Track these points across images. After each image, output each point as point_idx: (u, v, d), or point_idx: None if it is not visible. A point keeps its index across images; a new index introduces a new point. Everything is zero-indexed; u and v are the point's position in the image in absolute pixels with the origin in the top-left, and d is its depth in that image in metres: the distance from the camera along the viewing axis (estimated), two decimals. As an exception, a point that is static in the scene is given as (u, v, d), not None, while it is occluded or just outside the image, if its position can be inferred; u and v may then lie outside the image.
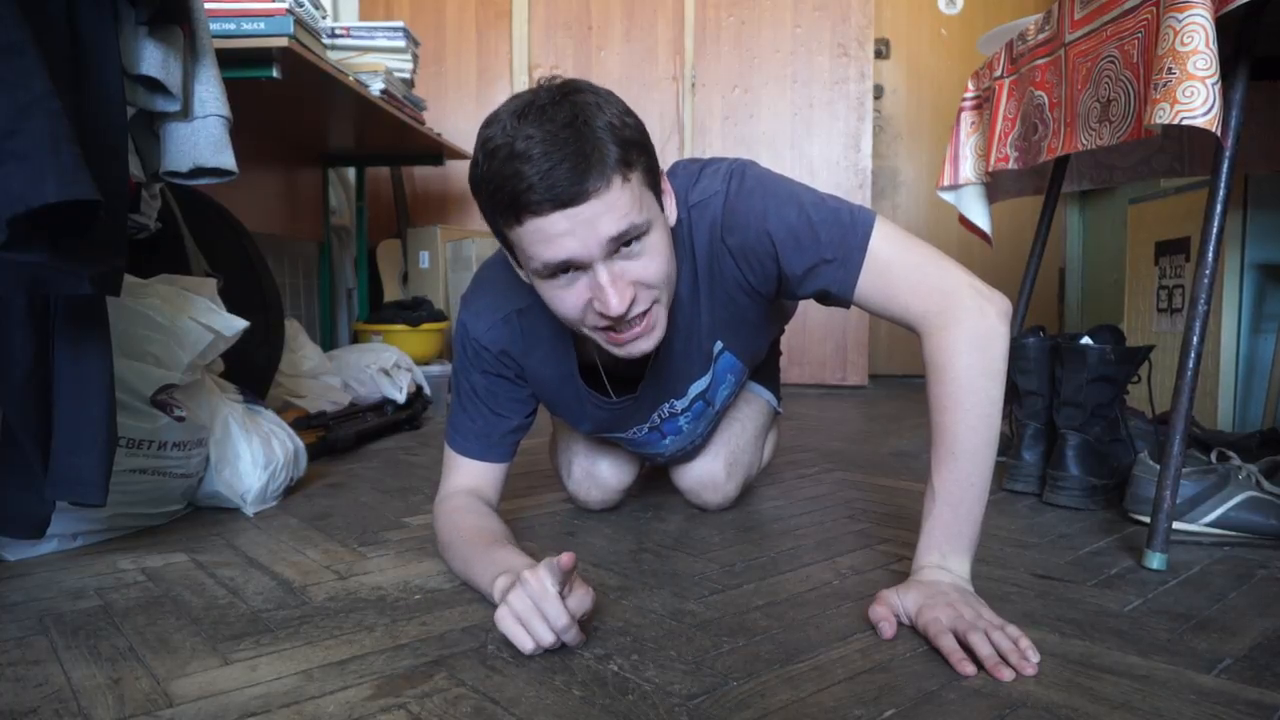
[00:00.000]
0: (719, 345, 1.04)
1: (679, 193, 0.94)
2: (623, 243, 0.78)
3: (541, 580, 0.73)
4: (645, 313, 0.83)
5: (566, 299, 0.81)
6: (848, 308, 0.92)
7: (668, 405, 1.09)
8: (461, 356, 1.04)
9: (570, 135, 0.73)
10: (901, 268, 0.86)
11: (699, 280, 0.96)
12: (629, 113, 0.80)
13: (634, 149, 0.78)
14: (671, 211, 0.88)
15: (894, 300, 0.87)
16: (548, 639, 0.73)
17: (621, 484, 1.26)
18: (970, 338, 0.82)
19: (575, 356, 1.02)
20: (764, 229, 0.89)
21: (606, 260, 0.78)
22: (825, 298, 0.92)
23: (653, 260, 0.81)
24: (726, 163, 0.95)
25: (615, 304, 0.79)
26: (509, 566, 0.83)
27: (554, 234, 0.75)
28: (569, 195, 0.73)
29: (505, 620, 0.74)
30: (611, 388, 1.06)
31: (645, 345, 0.86)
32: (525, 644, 0.73)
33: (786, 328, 1.45)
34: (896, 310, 0.87)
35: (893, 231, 0.88)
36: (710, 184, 0.93)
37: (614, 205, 0.75)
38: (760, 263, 0.92)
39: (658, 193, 0.84)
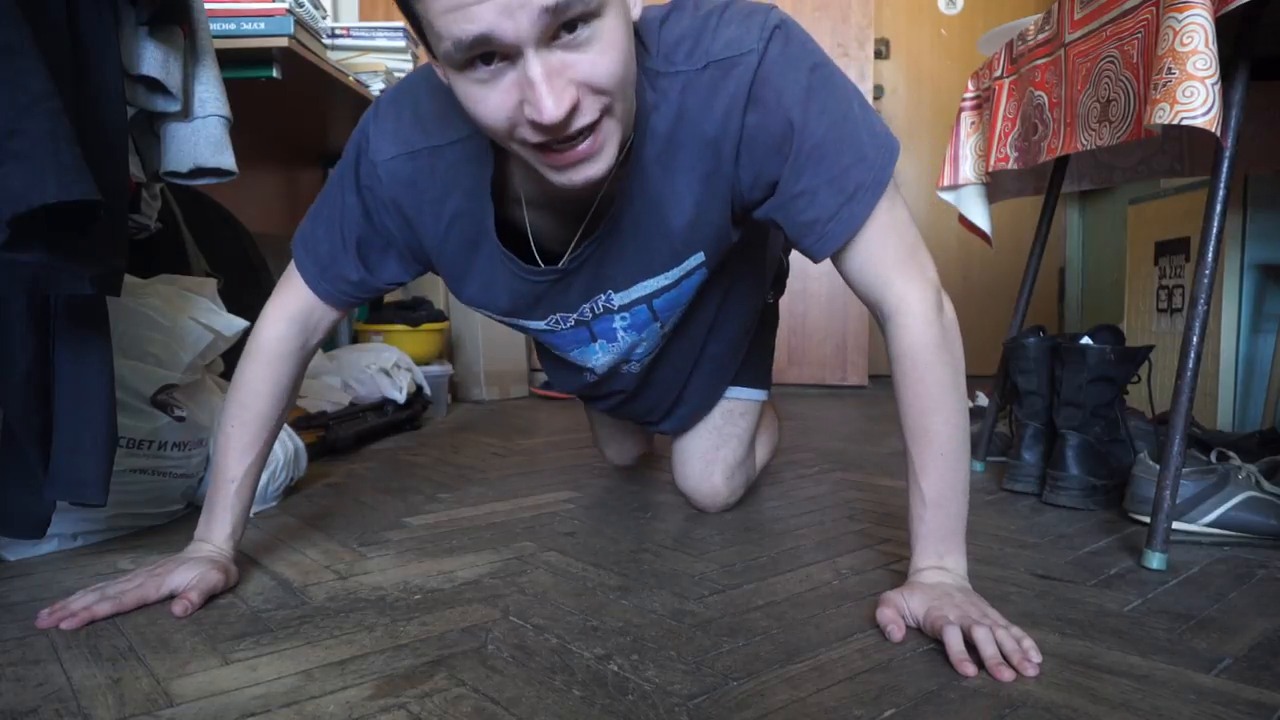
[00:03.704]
0: (699, 257, 0.88)
1: (685, 33, 0.75)
2: (563, 23, 0.60)
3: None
4: (594, 125, 0.65)
5: (489, 100, 0.62)
6: (816, 261, 0.82)
7: (604, 296, 0.92)
8: (347, 164, 0.87)
9: None
10: (899, 239, 0.81)
11: (683, 153, 0.78)
12: None
13: None
14: (637, 3, 0.70)
15: (882, 268, 0.80)
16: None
17: (638, 452, 1.53)
18: (942, 336, 0.82)
19: (493, 213, 0.84)
20: (789, 118, 0.74)
21: (541, 48, 0.60)
22: (804, 232, 0.79)
23: (604, 54, 0.62)
24: (761, 11, 0.75)
25: (550, 107, 0.60)
26: (206, 537, 0.92)
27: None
28: None
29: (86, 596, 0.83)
30: (541, 260, 0.89)
31: (591, 171, 0.68)
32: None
33: (784, 326, 1.45)
34: (878, 281, 0.81)
35: (899, 201, 0.82)
36: (742, 35, 0.74)
37: None
38: (765, 154, 0.76)
39: None
